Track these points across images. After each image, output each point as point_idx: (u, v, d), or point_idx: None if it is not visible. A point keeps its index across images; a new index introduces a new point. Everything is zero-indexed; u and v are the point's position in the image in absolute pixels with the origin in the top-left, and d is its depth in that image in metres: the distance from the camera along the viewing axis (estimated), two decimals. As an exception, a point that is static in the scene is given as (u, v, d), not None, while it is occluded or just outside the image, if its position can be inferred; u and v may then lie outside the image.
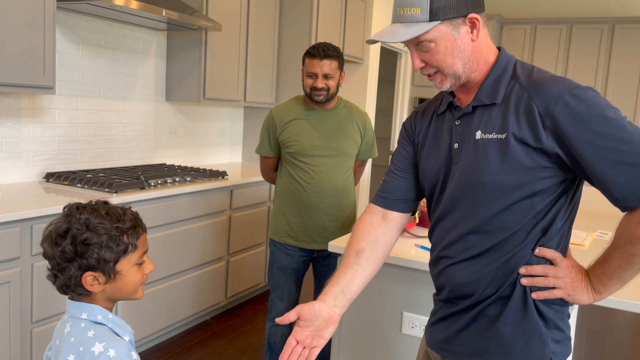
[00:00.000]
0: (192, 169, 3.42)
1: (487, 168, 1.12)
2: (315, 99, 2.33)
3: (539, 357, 1.15)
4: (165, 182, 2.93)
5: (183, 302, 3.07)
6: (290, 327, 2.51)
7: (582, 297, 1.15)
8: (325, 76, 2.29)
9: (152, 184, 2.83)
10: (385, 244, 1.33)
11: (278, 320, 1.21)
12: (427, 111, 1.32)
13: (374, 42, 1.15)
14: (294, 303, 2.47)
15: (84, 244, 1.06)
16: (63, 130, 2.96)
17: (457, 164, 1.19)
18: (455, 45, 1.12)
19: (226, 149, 4.26)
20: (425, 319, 1.81)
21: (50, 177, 2.81)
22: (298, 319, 1.21)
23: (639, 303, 1.52)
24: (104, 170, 3.08)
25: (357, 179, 2.58)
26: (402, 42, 1.13)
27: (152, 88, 3.49)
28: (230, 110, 4.24)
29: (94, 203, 1.13)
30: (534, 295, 1.14)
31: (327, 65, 2.28)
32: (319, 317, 1.21)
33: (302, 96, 2.45)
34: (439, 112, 1.26)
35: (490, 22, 5.66)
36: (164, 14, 2.80)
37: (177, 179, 3.02)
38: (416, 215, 2.26)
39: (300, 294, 2.52)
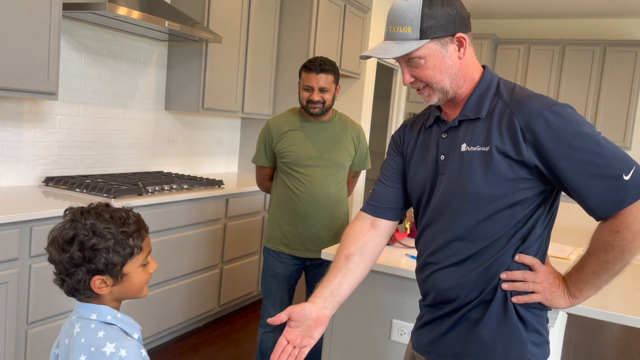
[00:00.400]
0: (189, 177, 3.48)
1: (471, 179, 1.18)
2: (311, 111, 2.40)
3: (518, 359, 1.21)
4: (163, 189, 2.99)
5: (176, 308, 3.11)
6: (281, 333, 2.55)
7: (559, 301, 1.21)
8: (322, 89, 2.36)
9: (150, 190, 2.89)
10: (373, 249, 1.39)
11: (270, 320, 1.26)
12: (415, 124, 1.39)
13: (368, 57, 1.22)
14: (286, 310, 2.52)
15: (92, 250, 1.08)
16: (63, 135, 3.01)
17: (443, 175, 1.25)
18: (444, 62, 1.19)
19: (223, 158, 4.32)
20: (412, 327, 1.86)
21: (50, 181, 2.86)
22: (289, 319, 1.27)
23: (622, 315, 1.58)
24: (102, 176, 3.13)
25: (350, 190, 2.64)
26: (394, 58, 1.20)
27: (152, 97, 3.56)
28: (227, 121, 4.31)
29: (95, 206, 1.14)
30: (514, 299, 1.20)
31: (323, 79, 2.35)
32: (309, 317, 1.27)
33: (298, 108, 2.52)
34: (427, 125, 1.33)
35: (485, 42, 5.78)
36: (166, 25, 2.87)
37: (174, 187, 3.07)
38: (407, 226, 2.32)
39: (292, 301, 2.56)
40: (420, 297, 1.39)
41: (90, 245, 1.08)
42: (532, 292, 1.20)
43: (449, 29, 1.17)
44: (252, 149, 4.34)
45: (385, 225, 1.41)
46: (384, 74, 6.24)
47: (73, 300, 1.16)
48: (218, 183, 3.41)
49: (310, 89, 2.37)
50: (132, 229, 1.13)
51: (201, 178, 3.45)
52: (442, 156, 1.26)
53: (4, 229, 2.16)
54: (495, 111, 1.19)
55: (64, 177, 2.89)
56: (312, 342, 1.27)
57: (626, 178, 1.07)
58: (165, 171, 3.70)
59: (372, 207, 1.41)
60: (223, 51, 3.60)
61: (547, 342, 1.26)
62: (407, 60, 1.20)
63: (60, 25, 2.51)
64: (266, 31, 4.03)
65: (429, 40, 1.16)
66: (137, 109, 3.46)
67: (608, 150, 1.09)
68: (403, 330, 1.92)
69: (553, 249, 2.29)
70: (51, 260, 1.12)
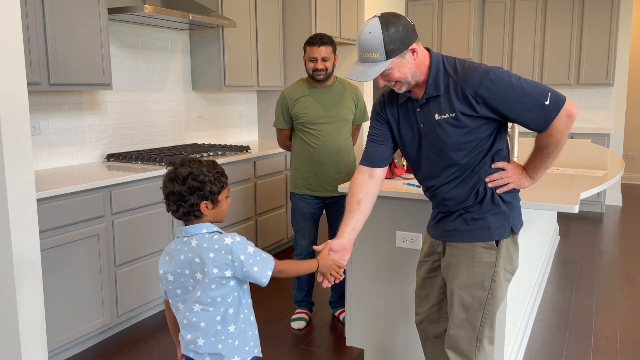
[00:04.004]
0: (220, 145, 4.08)
1: (448, 136, 1.75)
2: (317, 78, 2.96)
3: (505, 228, 1.81)
4: (202, 156, 3.60)
5: (222, 253, 3.75)
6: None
7: (525, 183, 1.83)
8: (323, 59, 2.92)
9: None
10: (373, 194, 1.97)
11: (315, 247, 1.87)
12: (391, 99, 1.92)
13: (351, 79, 1.73)
14: (314, 240, 3.14)
15: (201, 182, 1.53)
16: (115, 119, 3.63)
17: (426, 136, 1.81)
18: (405, 67, 1.71)
19: (244, 128, 4.92)
20: (412, 235, 2.46)
21: (111, 157, 3.48)
22: (330, 249, 1.85)
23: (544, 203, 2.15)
24: (150, 150, 3.74)
25: (354, 140, 3.22)
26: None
27: (180, 80, 4.14)
28: (245, 95, 4.89)
29: (190, 158, 1.63)
30: (498, 191, 1.80)
31: (324, 50, 2.91)
32: (343, 246, 1.87)
33: (305, 78, 3.09)
34: (401, 102, 1.87)
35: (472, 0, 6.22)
36: (191, 17, 3.44)
37: (210, 154, 3.68)
38: (404, 163, 2.90)
39: (317, 232, 3.18)
40: (418, 214, 1.95)
41: (200, 179, 1.54)
42: (508, 184, 1.80)
43: (405, 44, 1.68)
44: (270, 118, 4.92)
45: (379, 173, 1.97)
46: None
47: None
48: (245, 148, 4.01)
49: (314, 60, 2.93)
50: (221, 170, 1.64)
51: (230, 145, 4.05)
52: (422, 124, 1.81)
53: (91, 193, 2.79)
54: (450, 88, 1.72)
55: (122, 153, 3.52)
56: (344, 264, 1.86)
57: (547, 103, 1.65)
58: (198, 142, 4.31)
59: (368, 161, 1.97)
60: (237, 34, 4.15)
61: (521, 214, 1.89)
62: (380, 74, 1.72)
63: (107, 27, 3.09)
64: (272, 13, 4.56)
65: (393, 58, 1.68)
66: (170, 91, 4.06)
67: (530, 89, 1.65)
68: (405, 238, 2.52)
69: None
70: (171, 192, 1.54)
